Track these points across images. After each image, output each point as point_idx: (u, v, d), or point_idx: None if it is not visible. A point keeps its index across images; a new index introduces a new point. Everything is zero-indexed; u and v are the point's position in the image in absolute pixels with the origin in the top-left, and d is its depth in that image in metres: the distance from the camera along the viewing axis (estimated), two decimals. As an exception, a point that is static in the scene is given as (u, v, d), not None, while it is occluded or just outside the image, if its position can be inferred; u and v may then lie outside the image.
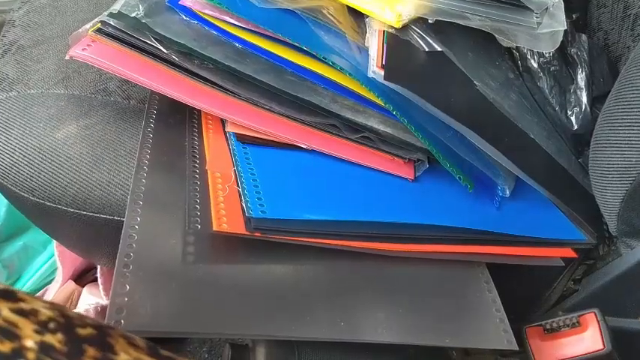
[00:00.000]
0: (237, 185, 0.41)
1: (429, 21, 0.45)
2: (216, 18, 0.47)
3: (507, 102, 0.50)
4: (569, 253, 0.45)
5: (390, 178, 0.46)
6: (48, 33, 0.55)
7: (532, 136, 0.50)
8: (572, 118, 0.51)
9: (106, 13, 0.45)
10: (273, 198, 0.40)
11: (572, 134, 0.52)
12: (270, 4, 0.46)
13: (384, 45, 0.46)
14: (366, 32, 0.48)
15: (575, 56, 0.51)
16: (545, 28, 0.42)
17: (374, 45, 0.46)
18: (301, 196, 0.42)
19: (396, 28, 0.47)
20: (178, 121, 0.48)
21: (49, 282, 0.76)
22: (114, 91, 0.51)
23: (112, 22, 0.44)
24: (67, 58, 0.44)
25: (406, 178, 0.46)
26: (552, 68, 0.51)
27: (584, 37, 0.52)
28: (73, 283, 0.69)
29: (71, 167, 0.45)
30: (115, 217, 0.44)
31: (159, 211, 0.38)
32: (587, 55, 0.51)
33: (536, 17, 0.44)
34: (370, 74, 0.45)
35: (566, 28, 0.42)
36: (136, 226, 0.37)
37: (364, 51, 0.47)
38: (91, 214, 0.44)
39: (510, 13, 0.45)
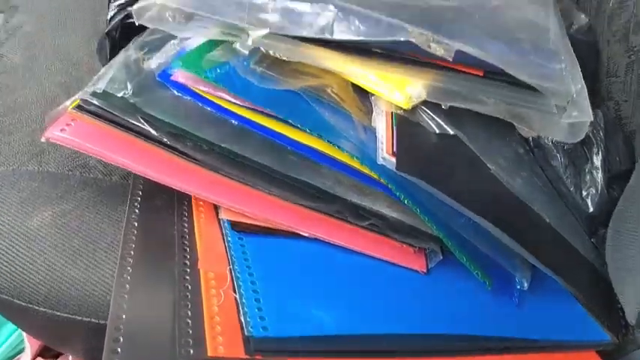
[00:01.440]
0: (234, 290, 0.36)
1: (442, 107, 0.41)
2: (211, 94, 0.43)
3: (519, 181, 0.47)
4: (593, 357, 0.41)
5: (401, 271, 0.42)
6: (21, 99, 0.50)
7: (547, 220, 0.47)
8: (588, 200, 0.48)
9: (89, 91, 0.41)
10: (276, 308, 0.35)
11: (587, 215, 0.49)
12: (271, 85, 0.42)
13: (394, 128, 0.42)
14: (371, 111, 0.45)
15: (590, 134, 0.48)
16: (568, 118, 0.39)
17: (382, 127, 0.43)
18: (306, 301, 0.37)
19: (405, 110, 0.43)
20: (166, 202, 0.43)
21: (20, 351, 0.70)
22: (94, 166, 0.46)
23: (95, 101, 0.40)
24: (42, 140, 0.39)
25: (418, 271, 0.42)
26: (567, 147, 0.48)
27: (600, 113, 0.50)
28: (42, 360, 0.64)
29: (44, 262, 0.40)
30: (93, 320, 0.39)
31: (144, 330, 0.33)
32: (603, 133, 0.48)
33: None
34: (380, 160, 0.41)
35: (591, 119, 0.39)
36: (119, 350, 0.32)
37: (370, 131, 0.44)
38: (66, 315, 0.40)
39: (528, 96, 0.42)
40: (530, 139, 0.51)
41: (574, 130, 0.40)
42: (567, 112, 0.39)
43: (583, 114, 0.39)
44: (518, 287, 0.43)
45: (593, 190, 0.48)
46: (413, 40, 0.39)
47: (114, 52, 0.51)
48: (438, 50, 0.39)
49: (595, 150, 0.49)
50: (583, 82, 0.41)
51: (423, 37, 0.38)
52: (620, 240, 0.42)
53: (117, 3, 0.53)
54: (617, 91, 0.54)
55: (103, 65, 0.52)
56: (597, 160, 0.48)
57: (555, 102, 0.39)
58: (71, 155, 0.46)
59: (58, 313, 0.40)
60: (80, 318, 0.39)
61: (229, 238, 0.40)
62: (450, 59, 0.39)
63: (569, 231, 0.48)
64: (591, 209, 0.48)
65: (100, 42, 0.51)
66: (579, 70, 0.42)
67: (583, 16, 0.57)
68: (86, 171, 0.46)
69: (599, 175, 0.48)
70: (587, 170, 0.49)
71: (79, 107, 0.41)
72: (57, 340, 0.45)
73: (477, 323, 0.39)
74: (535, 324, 0.41)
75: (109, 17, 0.52)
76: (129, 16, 0.50)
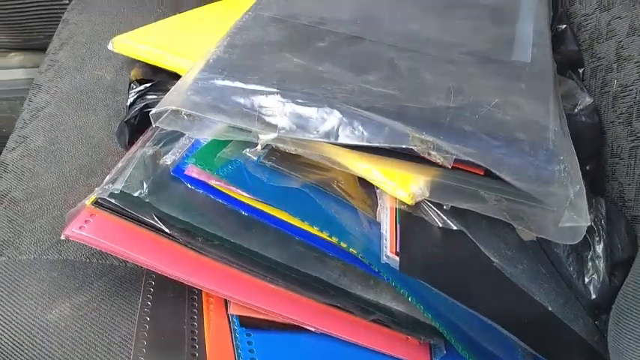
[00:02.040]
0: (241, 396, 0.38)
1: (444, 207, 0.43)
2: (223, 187, 0.45)
3: (521, 269, 0.48)
4: None
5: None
6: (42, 184, 0.53)
7: (550, 309, 0.48)
8: (590, 287, 0.49)
9: (107, 189, 0.43)
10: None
11: (589, 302, 0.49)
12: (280, 181, 0.44)
13: (397, 225, 0.44)
14: (376, 203, 0.46)
15: (592, 223, 0.49)
16: (566, 222, 0.40)
17: (386, 223, 0.44)
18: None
19: (408, 205, 0.45)
20: (177, 294, 0.45)
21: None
22: (110, 253, 0.48)
23: (113, 201, 0.42)
24: (62, 238, 0.42)
25: (422, 366, 0.43)
26: (569, 234, 0.49)
27: (602, 201, 0.51)
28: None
29: (62, 356, 0.42)
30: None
31: None
32: (605, 222, 0.49)
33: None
34: (384, 259, 0.42)
35: (589, 223, 0.40)
36: None
37: (375, 225, 0.45)
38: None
39: (530, 199, 0.43)
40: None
41: (572, 233, 0.41)
42: (565, 215, 0.40)
43: (580, 218, 0.40)
44: (521, 381, 0.44)
45: (595, 278, 0.49)
46: (414, 148, 0.40)
47: (133, 138, 0.54)
48: (437, 158, 0.40)
49: (597, 238, 0.49)
50: (582, 182, 0.42)
51: (424, 146, 0.40)
52: (624, 325, 0.43)
53: (136, 89, 0.56)
54: (621, 173, 0.55)
55: (122, 147, 0.55)
56: (599, 249, 0.49)
57: (554, 205, 0.41)
58: (89, 242, 0.48)
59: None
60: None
61: (237, 335, 0.42)
62: (450, 167, 0.41)
63: (573, 316, 0.49)
64: (594, 296, 0.49)
65: (119, 128, 0.54)
66: (579, 170, 0.43)
67: (587, 96, 0.58)
68: (103, 258, 0.48)
69: (601, 264, 0.49)
70: (589, 257, 0.50)
71: (96, 204, 0.43)
72: None
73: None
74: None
75: (128, 104, 0.55)
76: (148, 105, 0.53)
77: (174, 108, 0.43)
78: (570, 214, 0.40)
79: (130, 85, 0.57)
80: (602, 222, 0.50)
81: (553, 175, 0.42)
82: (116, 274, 0.47)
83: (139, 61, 0.60)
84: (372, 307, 0.44)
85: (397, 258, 0.42)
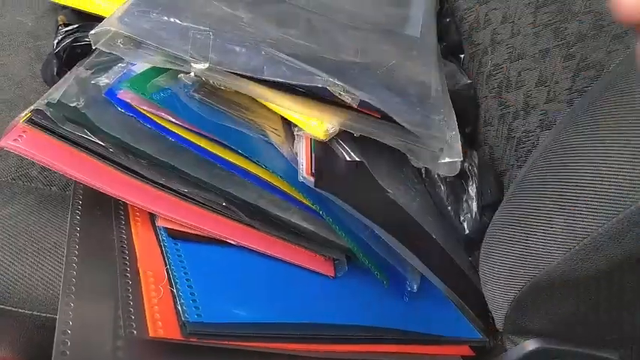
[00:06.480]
0: (171, 286, 0.42)
1: (354, 135, 0.50)
2: (153, 113, 0.49)
3: (413, 204, 0.57)
4: (467, 351, 0.51)
5: (313, 276, 0.50)
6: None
7: (434, 237, 0.57)
8: (465, 224, 0.59)
9: (44, 102, 0.45)
10: (208, 300, 0.42)
11: (464, 237, 0.59)
12: (208, 111, 0.49)
13: (312, 154, 0.50)
14: (294, 138, 0.53)
15: (467, 170, 0.59)
16: (444, 158, 0.49)
17: (302, 152, 0.51)
18: (233, 296, 0.44)
19: (322, 140, 0.52)
20: (104, 212, 0.48)
21: None
22: (35, 177, 0.50)
23: (49, 111, 0.45)
24: (-4, 148, 0.43)
25: (327, 276, 0.50)
26: (448, 179, 0.59)
27: (475, 153, 0.61)
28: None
29: (-8, 259, 0.43)
30: (35, 313, 0.43)
31: (91, 317, 0.38)
32: (477, 169, 0.60)
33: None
34: (300, 179, 0.49)
35: (462, 159, 0.49)
36: (69, 331, 0.37)
37: (292, 156, 0.52)
38: (10, 308, 0.43)
39: (415, 136, 0.51)
40: (423, 171, 0.61)
41: (451, 167, 0.50)
42: (444, 153, 0.50)
43: (455, 155, 0.49)
44: (409, 289, 0.52)
45: (469, 216, 0.59)
46: (328, 87, 0.47)
47: (59, 73, 0.56)
48: (346, 98, 0.47)
49: (470, 183, 0.59)
50: (457, 129, 0.52)
51: (337, 87, 0.47)
52: (490, 256, 0.52)
53: (65, 29, 0.58)
54: (492, 138, 0.66)
55: (47, 83, 0.57)
56: (472, 191, 0.59)
57: (434, 145, 0.49)
58: (14, 165, 0.50)
59: (2, 306, 0.43)
60: (23, 311, 0.43)
61: (165, 243, 0.46)
62: (356, 106, 0.48)
63: (452, 249, 0.59)
64: (467, 231, 0.59)
65: (46, 61, 0.56)
66: (455, 120, 0.53)
67: (465, 78, 0.69)
68: (28, 180, 0.50)
69: (473, 204, 0.59)
70: (464, 199, 0.59)
71: (30, 121, 0.45)
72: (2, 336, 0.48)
73: (373, 314, 0.47)
74: (420, 320, 0.50)
75: (56, 41, 0.57)
76: (77, 40, 0.56)
77: (114, 29, 0.46)
78: (448, 152, 0.50)
79: (57, 27, 0.59)
80: (475, 169, 0.60)
81: (434, 123, 0.51)
82: (42, 194, 0.49)
83: (64, 8, 0.62)
84: (284, 224, 0.50)
85: (312, 178, 0.48)
